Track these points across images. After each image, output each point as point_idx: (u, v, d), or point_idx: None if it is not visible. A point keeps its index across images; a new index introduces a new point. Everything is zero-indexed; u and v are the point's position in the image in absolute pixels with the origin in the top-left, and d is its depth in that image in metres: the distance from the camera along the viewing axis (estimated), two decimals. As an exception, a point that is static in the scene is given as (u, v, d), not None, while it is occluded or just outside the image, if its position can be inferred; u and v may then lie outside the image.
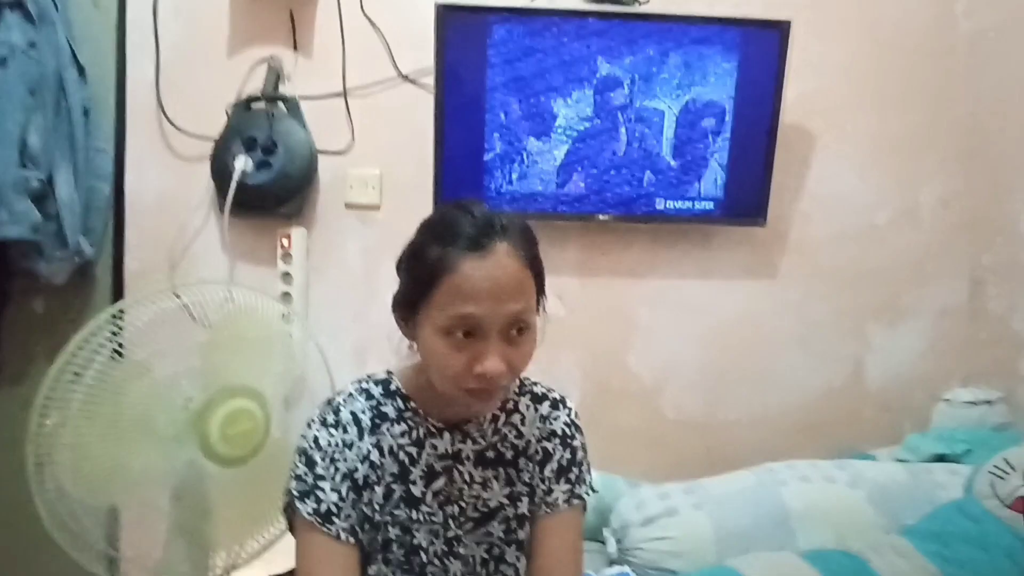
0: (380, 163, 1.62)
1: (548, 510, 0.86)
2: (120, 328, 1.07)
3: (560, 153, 1.59)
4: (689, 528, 1.25)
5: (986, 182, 1.70)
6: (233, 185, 1.45)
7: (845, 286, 1.74)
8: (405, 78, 1.61)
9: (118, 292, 1.59)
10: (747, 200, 1.64)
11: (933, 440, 1.46)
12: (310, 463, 0.80)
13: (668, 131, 1.61)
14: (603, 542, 1.36)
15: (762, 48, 1.59)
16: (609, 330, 1.72)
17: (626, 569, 1.25)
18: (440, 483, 0.83)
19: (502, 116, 1.55)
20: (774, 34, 1.57)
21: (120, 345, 1.06)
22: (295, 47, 1.59)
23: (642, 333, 1.71)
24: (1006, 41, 1.65)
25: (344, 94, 1.59)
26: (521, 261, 0.75)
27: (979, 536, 1.08)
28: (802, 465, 1.39)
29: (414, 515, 0.82)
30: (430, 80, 1.54)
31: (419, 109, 1.58)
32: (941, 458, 1.45)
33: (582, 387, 1.70)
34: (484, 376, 0.72)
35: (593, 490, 0.90)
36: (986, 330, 1.68)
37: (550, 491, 0.86)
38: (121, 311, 1.08)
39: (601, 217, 1.62)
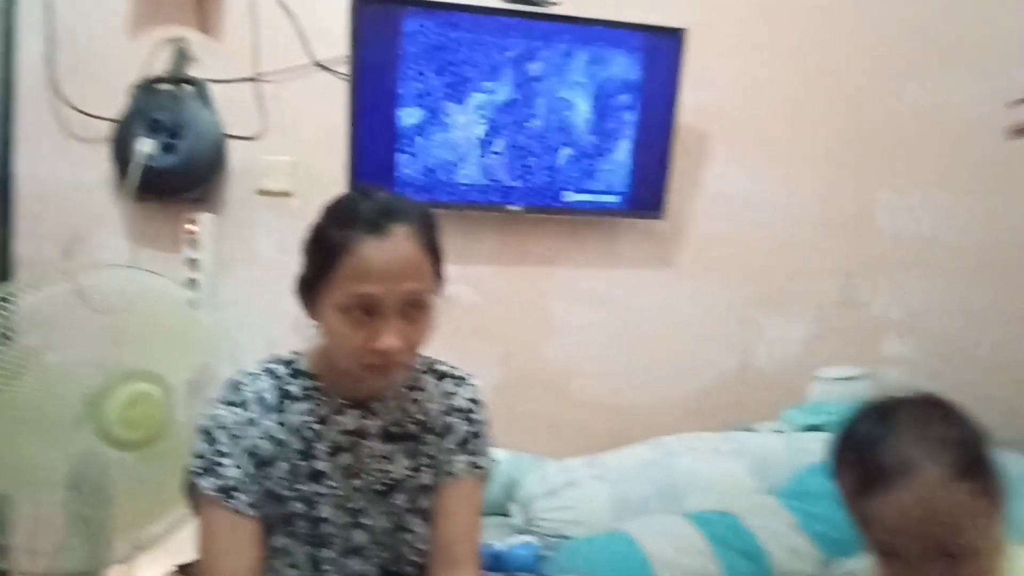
0: (293, 151, 1.61)
1: (450, 480, 0.91)
2: (8, 313, 1.04)
3: (473, 145, 1.64)
4: (588, 498, 1.35)
5: (855, 186, 1.90)
6: (137, 168, 1.41)
7: (735, 278, 1.90)
8: (319, 66, 1.61)
9: (5, 280, 1.51)
10: (648, 195, 1.76)
11: (806, 413, 1.63)
12: (211, 440, 0.82)
13: (576, 129, 1.70)
14: (510, 515, 1.44)
15: (661, 54, 1.70)
16: (522, 318, 1.79)
17: (530, 539, 1.33)
18: (345, 458, 0.87)
19: (415, 107, 1.59)
20: (672, 41, 1.69)
21: (9, 330, 1.02)
22: (203, 29, 1.56)
23: (553, 321, 1.80)
24: (879, 61, 1.85)
25: (255, 79, 1.58)
26: (419, 243, 0.79)
27: (835, 492, 1.23)
28: (691, 438, 1.52)
29: (319, 489, 0.86)
30: (345, 68, 1.56)
31: (333, 97, 1.59)
32: (815, 428, 1.62)
33: (497, 373, 1.77)
34: (381, 352, 0.76)
35: (493, 461, 0.96)
36: (854, 317, 1.88)
37: (452, 462, 0.91)
38: (10, 294, 1.04)
39: (512, 208, 1.69)
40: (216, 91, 1.54)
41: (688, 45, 1.69)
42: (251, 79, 1.57)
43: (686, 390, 1.86)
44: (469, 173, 1.66)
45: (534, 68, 1.65)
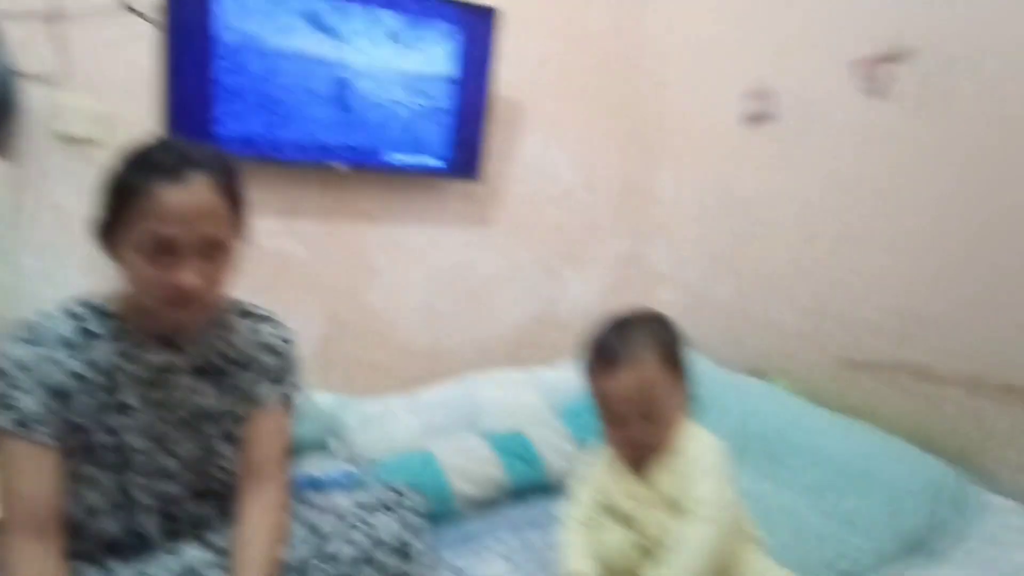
0: (99, 97, 1.56)
1: (259, 409, 1.01)
2: None
3: (298, 103, 1.69)
4: (401, 427, 1.52)
5: (644, 159, 2.23)
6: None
7: (544, 237, 2.15)
8: (129, 8, 1.56)
9: None
10: (466, 160, 1.93)
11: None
12: (7, 377, 0.86)
13: (399, 94, 1.81)
14: (331, 451, 1.57)
15: (478, 29, 1.86)
16: (348, 271, 1.90)
17: (350, 467, 1.47)
18: (153, 392, 0.94)
19: (233, 58, 1.59)
20: (486, 19, 1.86)
21: None
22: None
23: (378, 274, 1.93)
24: (655, 56, 2.16)
25: (52, 16, 1.49)
26: (216, 191, 0.88)
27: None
28: (496, 374, 1.75)
29: (126, 421, 0.92)
30: (156, 13, 1.52)
31: (146, 43, 1.55)
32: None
33: (323, 323, 1.87)
34: (179, 288, 0.85)
35: (302, 393, 1.08)
36: (638, 272, 2.23)
37: (260, 393, 1.02)
38: None
39: (337, 167, 1.77)
40: (7, 26, 1.44)
41: (503, 24, 1.86)
42: (48, 16, 1.48)
43: (498, 334, 2.10)
44: (294, 131, 1.71)
45: (354, 32, 1.72)
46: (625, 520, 1.06)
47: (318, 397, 1.63)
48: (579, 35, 2.12)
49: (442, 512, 1.29)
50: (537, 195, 2.13)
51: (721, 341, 1.87)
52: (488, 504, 1.37)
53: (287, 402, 1.06)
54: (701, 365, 1.69)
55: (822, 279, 1.59)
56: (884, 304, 1.44)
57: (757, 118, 1.78)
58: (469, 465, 1.36)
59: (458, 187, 2.01)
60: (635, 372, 0.99)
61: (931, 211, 1.34)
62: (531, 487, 1.42)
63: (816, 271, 1.61)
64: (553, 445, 1.48)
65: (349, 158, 1.78)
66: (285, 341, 1.07)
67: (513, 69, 1.98)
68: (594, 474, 1.12)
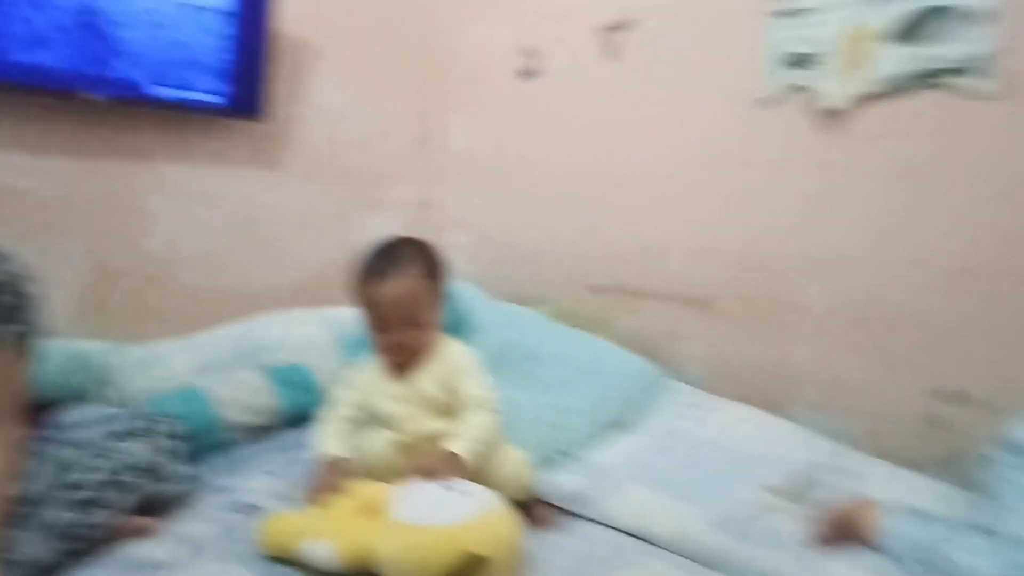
0: None
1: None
2: None
3: (43, 22, 1.53)
4: (173, 369, 1.51)
5: (437, 108, 2.33)
6: None
7: (338, 180, 2.18)
8: None
9: None
10: (248, 97, 1.88)
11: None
12: None
13: (169, 23, 1.71)
14: (105, 399, 1.52)
15: (256, -39, 1.80)
16: (117, 214, 1.78)
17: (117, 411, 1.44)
18: None
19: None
20: (265, -50, 1.81)
21: None
22: None
23: (153, 217, 1.84)
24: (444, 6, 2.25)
25: None
26: None
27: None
28: (283, 314, 1.79)
29: None
30: None
31: None
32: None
33: (90, 270, 1.75)
34: None
35: (38, 332, 1.05)
36: (430, 216, 2.36)
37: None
38: None
39: (89, 96, 1.64)
40: None
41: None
42: None
43: (292, 279, 2.12)
44: (37, 53, 1.54)
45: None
46: (386, 421, 1.20)
47: (86, 345, 1.55)
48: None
49: (211, 440, 1.33)
50: (331, 139, 2.14)
51: (499, 276, 2.07)
52: (263, 431, 1.44)
53: (19, 342, 1.03)
54: (478, 296, 1.89)
55: (577, 218, 1.84)
56: (615, 238, 1.71)
57: (528, 73, 1.95)
58: (239, 395, 1.41)
59: (243, 127, 1.95)
60: (401, 282, 1.15)
61: (666, 157, 1.61)
62: (309, 415, 1.51)
63: (572, 212, 1.85)
64: (334, 374, 1.58)
65: (105, 89, 1.66)
66: (17, 277, 1.03)
67: (301, 6, 1.95)
68: (358, 379, 1.25)
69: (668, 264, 1.58)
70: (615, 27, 1.65)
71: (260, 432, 1.44)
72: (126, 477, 1.03)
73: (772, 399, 1.37)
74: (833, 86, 1.23)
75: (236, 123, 1.93)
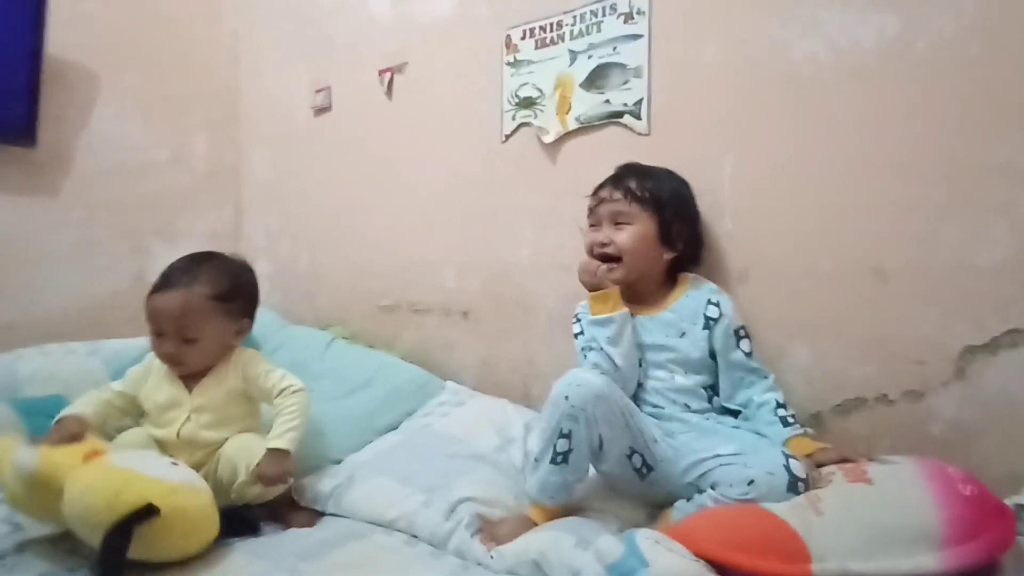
0: None
1: None
2: None
3: None
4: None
5: (237, 140, 2.36)
6: None
7: (128, 210, 2.12)
8: None
9: None
10: (14, 121, 1.80)
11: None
12: None
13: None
14: None
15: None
16: None
17: None
18: None
19: None
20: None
21: None
22: None
23: None
24: (252, 32, 2.32)
25: None
26: None
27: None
28: (51, 345, 1.69)
29: None
30: None
31: None
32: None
33: None
34: None
35: None
36: (237, 245, 2.35)
37: None
38: None
39: None
40: None
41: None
42: None
43: (68, 311, 2.00)
44: None
45: None
46: (151, 417, 1.25)
47: None
48: (154, 13, 2.15)
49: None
50: (117, 168, 2.09)
51: (302, 302, 2.12)
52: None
53: None
54: (271, 321, 1.92)
55: (365, 243, 1.95)
56: (397, 260, 1.85)
57: (321, 109, 2.07)
58: (-23, 427, 1.33)
59: (9, 152, 1.85)
60: (179, 295, 1.20)
61: (433, 184, 1.77)
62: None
63: (361, 237, 1.96)
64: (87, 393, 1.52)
65: None
66: None
67: (76, 30, 1.92)
68: (136, 372, 1.29)
69: (442, 280, 1.74)
70: (389, 70, 1.83)
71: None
72: None
73: (521, 391, 1.56)
74: (549, 123, 1.47)
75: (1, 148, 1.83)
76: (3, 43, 1.76)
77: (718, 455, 1.00)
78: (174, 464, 1.08)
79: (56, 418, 1.17)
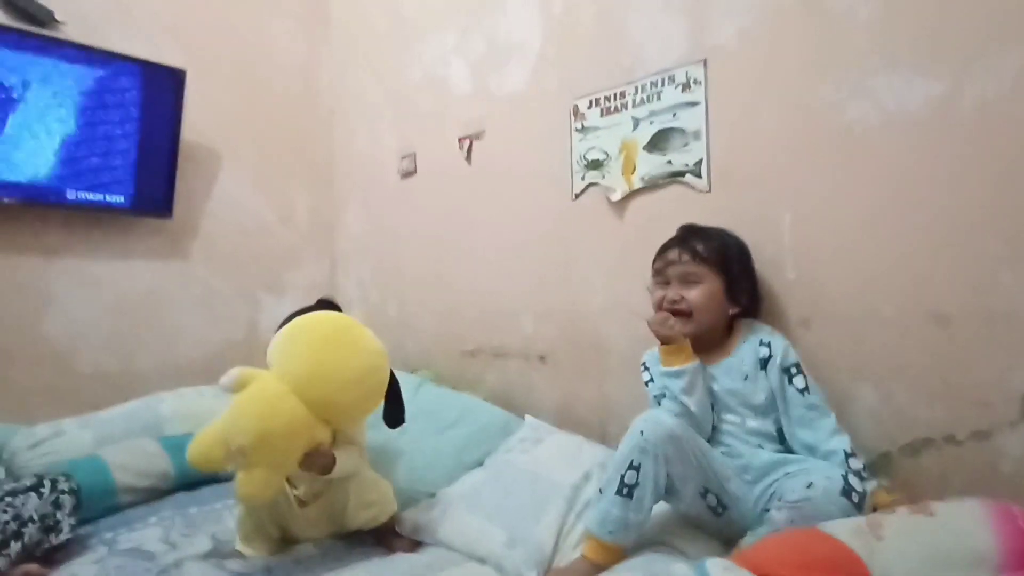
0: None
1: None
2: None
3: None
4: (72, 442, 1.64)
5: (333, 201, 2.64)
6: None
7: (242, 266, 2.42)
8: None
9: None
10: (155, 197, 2.13)
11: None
12: None
13: (79, 132, 1.96)
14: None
15: (164, 83, 2.10)
16: (19, 302, 1.94)
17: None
18: None
19: None
20: (175, 75, 2.12)
21: None
22: None
23: (54, 304, 2.00)
24: (345, 105, 2.62)
25: None
26: None
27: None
28: (183, 389, 1.96)
29: None
30: None
31: None
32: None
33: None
34: None
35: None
36: (338, 291, 2.60)
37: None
38: None
39: (5, 201, 1.84)
40: None
41: (192, 80, 2.14)
42: None
43: (193, 358, 2.29)
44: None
45: (37, 79, 1.86)
46: None
47: (-17, 427, 1.66)
48: (264, 95, 2.48)
49: (109, 502, 1.48)
50: (233, 230, 2.40)
51: (391, 348, 2.31)
52: (157, 494, 1.58)
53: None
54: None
55: (449, 293, 2.13)
56: (479, 308, 2.02)
57: (407, 173, 2.30)
58: (135, 461, 1.57)
59: (149, 223, 2.18)
60: None
61: (510, 239, 1.94)
62: (203, 480, 1.67)
63: (444, 288, 2.15)
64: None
65: (21, 194, 1.87)
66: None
67: (204, 116, 2.26)
68: None
69: (521, 327, 1.89)
70: (468, 137, 2.03)
71: (156, 494, 1.59)
72: (20, 528, 1.18)
73: (599, 430, 1.66)
74: (616, 183, 1.61)
75: (141, 219, 2.16)
76: (152, 134, 2.10)
77: (787, 472, 1.08)
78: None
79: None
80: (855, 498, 1.00)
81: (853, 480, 1.03)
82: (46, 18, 1.95)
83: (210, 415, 1.89)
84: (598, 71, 1.67)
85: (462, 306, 2.08)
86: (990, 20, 1.10)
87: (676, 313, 1.25)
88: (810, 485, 1.01)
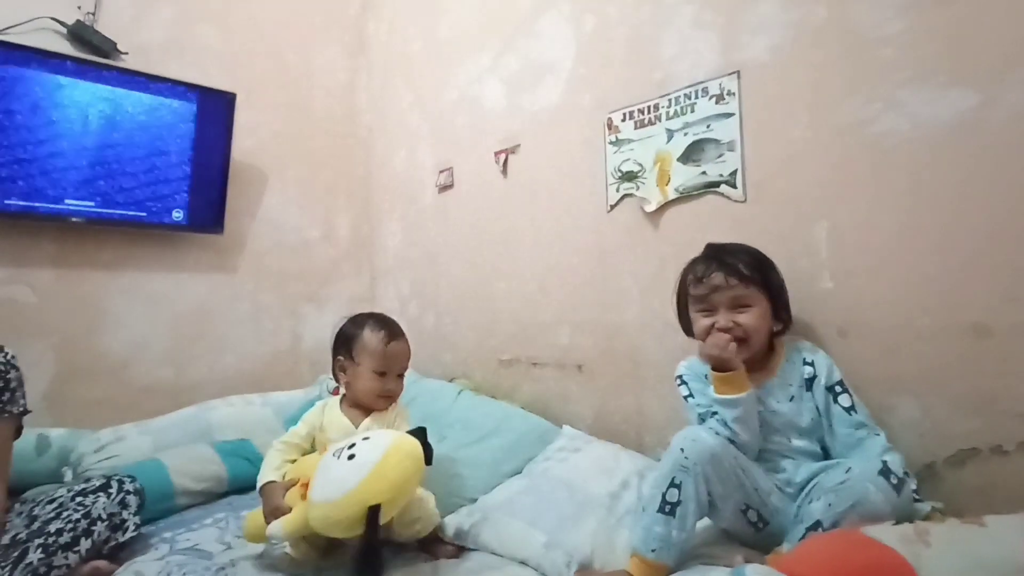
0: None
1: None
2: None
3: (39, 159, 1.89)
4: (133, 447, 1.74)
5: (372, 217, 2.73)
6: None
7: (286, 281, 2.51)
8: None
9: None
10: (208, 215, 2.24)
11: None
12: None
13: (138, 153, 2.08)
14: (63, 477, 1.73)
15: (216, 107, 2.22)
16: (81, 316, 2.06)
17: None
18: None
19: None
20: (226, 99, 2.23)
21: None
22: None
23: (114, 318, 2.12)
24: (384, 124, 2.71)
25: None
26: None
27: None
28: (231, 398, 2.05)
29: None
30: None
31: None
32: (334, 387, 2.31)
33: (55, 367, 2.00)
34: None
35: (26, 410, 1.32)
36: (373, 308, 2.68)
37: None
38: None
39: (74, 219, 1.97)
40: None
41: (240, 104, 2.25)
42: None
43: (242, 369, 2.38)
44: (31, 185, 1.89)
45: (100, 105, 1.99)
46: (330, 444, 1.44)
47: (52, 433, 1.77)
48: (307, 117, 2.59)
49: (168, 504, 1.56)
50: (279, 246, 2.50)
51: (431, 358, 2.37)
52: (212, 496, 1.66)
53: (6, 417, 1.29)
54: (413, 376, 2.18)
55: (486, 303, 2.18)
56: (515, 319, 2.06)
57: (444, 187, 2.36)
58: (192, 465, 1.65)
59: (201, 239, 2.29)
60: (407, 342, 1.54)
61: (546, 250, 1.98)
62: (253, 485, 1.73)
63: (482, 299, 2.20)
64: (267, 444, 1.82)
65: (88, 212, 2.00)
66: (8, 367, 1.31)
67: (252, 140, 2.38)
68: (315, 415, 1.52)
69: (557, 338, 1.92)
70: (504, 151, 2.09)
71: (211, 497, 1.67)
72: (90, 526, 1.26)
73: (635, 440, 1.68)
74: (651, 194, 1.64)
75: (196, 236, 2.28)
76: (205, 154, 2.21)
77: (827, 471, 1.09)
78: (354, 462, 1.23)
79: (259, 486, 1.39)
80: (893, 480, 0.99)
81: (893, 464, 1.02)
82: (110, 49, 2.09)
83: (256, 424, 1.98)
84: (631, 85, 1.71)
85: (499, 317, 2.12)
86: (1021, 31, 1.10)
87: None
88: (848, 470, 1.02)
